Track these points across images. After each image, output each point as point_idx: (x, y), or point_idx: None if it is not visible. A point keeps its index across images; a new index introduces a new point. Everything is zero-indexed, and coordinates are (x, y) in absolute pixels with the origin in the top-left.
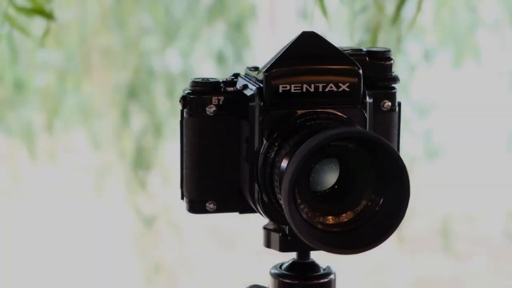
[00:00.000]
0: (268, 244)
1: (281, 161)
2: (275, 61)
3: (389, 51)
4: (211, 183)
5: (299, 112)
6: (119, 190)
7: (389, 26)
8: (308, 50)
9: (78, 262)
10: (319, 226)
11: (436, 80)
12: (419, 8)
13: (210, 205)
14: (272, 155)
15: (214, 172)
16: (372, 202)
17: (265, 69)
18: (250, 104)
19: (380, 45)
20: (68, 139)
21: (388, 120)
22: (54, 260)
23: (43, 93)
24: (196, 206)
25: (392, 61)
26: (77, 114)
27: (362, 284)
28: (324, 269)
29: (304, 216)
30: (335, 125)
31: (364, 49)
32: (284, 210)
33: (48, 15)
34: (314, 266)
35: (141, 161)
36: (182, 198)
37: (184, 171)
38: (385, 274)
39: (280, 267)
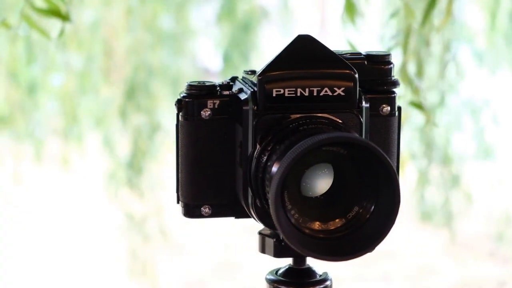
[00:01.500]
0: (263, 250)
1: (272, 165)
2: (269, 65)
3: (388, 54)
4: (206, 188)
5: (293, 116)
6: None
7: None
8: (303, 54)
9: (79, 263)
10: (309, 232)
11: (488, 80)
12: (448, 12)
13: (205, 210)
14: (264, 159)
15: (209, 176)
16: (363, 209)
17: (259, 73)
18: (244, 108)
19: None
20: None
21: (387, 125)
22: (49, 259)
23: (59, 96)
24: (191, 210)
25: (391, 65)
26: (92, 117)
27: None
28: (321, 275)
29: (293, 221)
30: (327, 130)
31: (364, 53)
32: (272, 215)
33: (64, 17)
34: (310, 272)
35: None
36: (178, 202)
37: (179, 175)
38: (434, 276)
39: (276, 273)
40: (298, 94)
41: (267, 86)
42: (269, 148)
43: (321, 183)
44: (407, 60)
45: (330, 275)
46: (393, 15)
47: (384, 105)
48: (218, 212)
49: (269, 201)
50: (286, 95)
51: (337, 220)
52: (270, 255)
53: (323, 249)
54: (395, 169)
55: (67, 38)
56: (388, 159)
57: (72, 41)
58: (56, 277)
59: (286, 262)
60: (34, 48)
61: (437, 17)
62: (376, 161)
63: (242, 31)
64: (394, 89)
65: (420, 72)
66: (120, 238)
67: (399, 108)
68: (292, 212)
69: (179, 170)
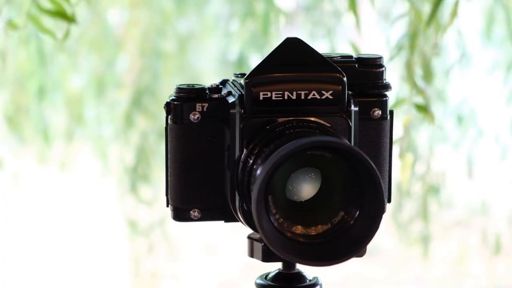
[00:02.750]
0: (251, 254)
1: (258, 169)
2: (256, 68)
3: (380, 58)
4: (195, 191)
5: (280, 120)
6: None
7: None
8: (291, 57)
9: (83, 269)
10: (293, 236)
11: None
12: (454, 12)
13: (194, 213)
14: (250, 163)
15: (199, 180)
16: (348, 214)
17: (246, 76)
18: (231, 111)
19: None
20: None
21: (378, 129)
22: (53, 265)
23: (68, 98)
24: (180, 214)
25: (383, 68)
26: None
27: None
28: (311, 280)
29: (277, 226)
30: (313, 134)
31: (355, 56)
32: (254, 219)
33: (70, 18)
34: (300, 276)
35: None
36: (168, 206)
37: (169, 179)
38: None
39: (266, 277)
40: (286, 97)
41: (254, 90)
42: (255, 152)
43: (307, 187)
44: (413, 62)
45: (321, 279)
46: (400, 16)
47: (375, 109)
48: (207, 215)
49: (252, 205)
50: (274, 98)
51: (322, 225)
52: (259, 259)
53: (306, 254)
54: (379, 174)
55: (80, 41)
56: (372, 163)
57: (84, 43)
58: (60, 283)
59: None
60: (45, 50)
61: (442, 19)
62: (360, 165)
63: (261, 32)
64: (386, 93)
65: (426, 75)
66: (124, 245)
67: (391, 112)
68: (277, 216)
69: (168, 174)
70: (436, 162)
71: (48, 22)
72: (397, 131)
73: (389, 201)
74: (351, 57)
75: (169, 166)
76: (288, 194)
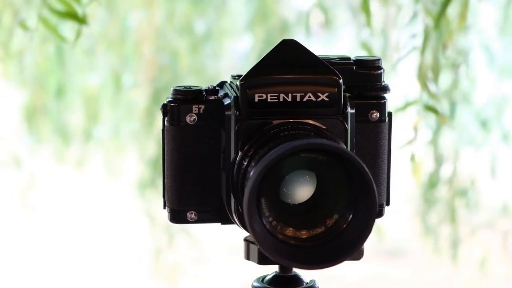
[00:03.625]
0: (247, 257)
1: (251, 171)
2: (251, 69)
3: (379, 59)
4: (191, 193)
5: (275, 122)
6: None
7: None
8: (287, 59)
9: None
10: (285, 238)
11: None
12: (463, 15)
13: (191, 215)
14: (244, 165)
15: (195, 182)
16: (342, 217)
17: (241, 78)
18: (226, 113)
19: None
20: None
21: (376, 131)
22: (74, 260)
23: (86, 98)
24: (177, 215)
25: (381, 70)
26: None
27: None
28: (307, 283)
29: (269, 227)
30: (308, 136)
31: (353, 58)
32: (245, 221)
33: (81, 20)
34: (296, 279)
35: None
36: (164, 208)
37: (165, 180)
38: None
39: (262, 280)
40: (281, 99)
41: (249, 91)
42: (249, 154)
43: (301, 190)
44: (424, 64)
45: (317, 283)
46: (412, 17)
47: (373, 111)
48: (204, 218)
49: (243, 206)
50: (269, 100)
51: (317, 228)
52: (255, 262)
53: (298, 257)
54: (371, 177)
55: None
56: (365, 166)
57: (102, 43)
58: (81, 278)
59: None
60: (63, 50)
61: (452, 21)
62: (353, 168)
63: (278, 35)
64: (384, 95)
65: (436, 77)
66: (145, 239)
67: (390, 114)
68: (270, 219)
69: (165, 175)
70: (462, 165)
71: (60, 23)
72: (408, 133)
73: (387, 204)
74: (349, 59)
75: (166, 168)
76: (282, 197)
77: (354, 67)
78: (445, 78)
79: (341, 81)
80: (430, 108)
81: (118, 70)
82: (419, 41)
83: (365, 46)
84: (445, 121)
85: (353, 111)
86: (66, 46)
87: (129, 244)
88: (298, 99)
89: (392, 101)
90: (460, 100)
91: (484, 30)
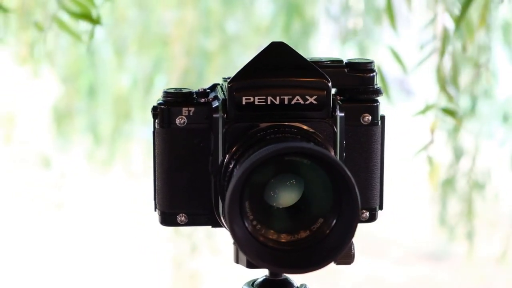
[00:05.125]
0: (237, 260)
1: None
2: (239, 72)
3: (371, 62)
4: (181, 196)
5: (262, 125)
6: None
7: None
8: (275, 61)
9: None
10: (267, 241)
11: None
12: (483, 18)
13: (181, 218)
14: (230, 168)
15: (185, 184)
16: (326, 221)
17: (229, 80)
18: (214, 116)
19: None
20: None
21: (368, 135)
22: (95, 266)
23: (116, 98)
24: (167, 218)
25: (374, 73)
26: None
27: None
28: (298, 287)
29: (251, 230)
30: (294, 139)
31: (346, 60)
32: (227, 225)
33: (95, 21)
34: (286, 283)
35: None
36: (155, 210)
37: (156, 183)
38: None
39: (252, 284)
40: (269, 102)
41: (236, 94)
42: (235, 157)
43: (287, 194)
44: (443, 66)
45: (309, 287)
46: (432, 20)
47: (366, 114)
48: (194, 220)
49: (224, 209)
50: (256, 103)
51: (301, 232)
52: (243, 265)
53: (280, 261)
54: (354, 182)
55: (129, 40)
56: (347, 171)
57: (133, 43)
58: (104, 282)
59: None
60: (94, 51)
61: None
62: (336, 173)
63: (303, 35)
64: (377, 98)
65: (455, 79)
66: (166, 245)
67: (382, 117)
68: (254, 222)
69: (156, 178)
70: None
71: (73, 23)
72: (426, 136)
73: (380, 208)
74: (341, 61)
75: (156, 170)
76: (268, 200)
77: (346, 70)
78: (466, 74)
79: (330, 84)
80: (448, 111)
81: (150, 70)
82: (438, 43)
83: (392, 51)
84: (461, 124)
85: (343, 114)
86: (96, 46)
87: (152, 248)
88: (286, 102)
89: (411, 104)
90: (481, 95)
91: (505, 26)
